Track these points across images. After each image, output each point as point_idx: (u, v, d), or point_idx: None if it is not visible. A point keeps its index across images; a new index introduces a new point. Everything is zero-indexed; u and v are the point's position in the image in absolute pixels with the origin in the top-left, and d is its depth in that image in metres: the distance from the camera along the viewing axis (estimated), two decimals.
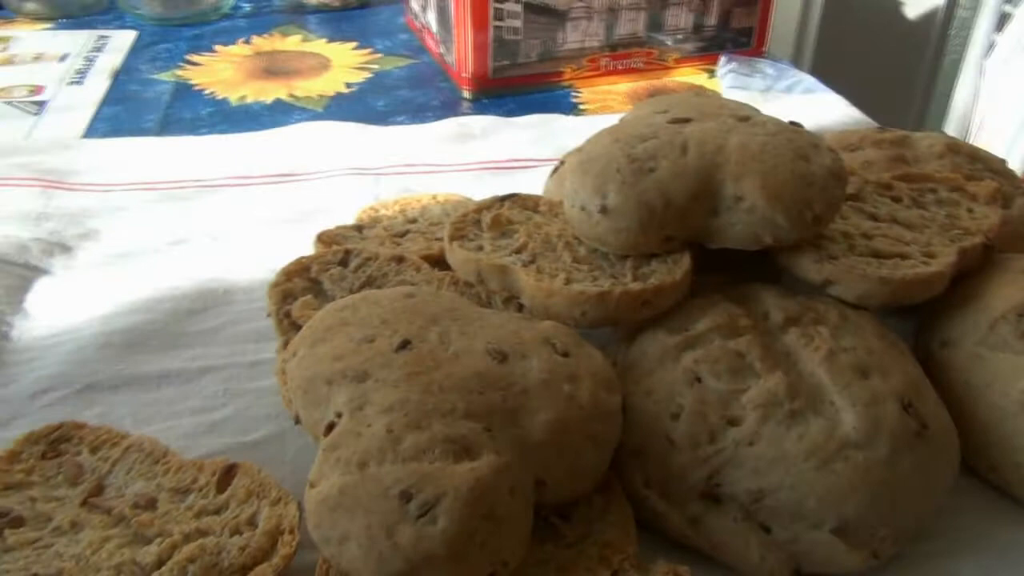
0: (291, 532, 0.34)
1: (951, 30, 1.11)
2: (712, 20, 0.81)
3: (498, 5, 0.74)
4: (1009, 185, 0.53)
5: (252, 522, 0.35)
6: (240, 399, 0.44)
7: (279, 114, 0.75)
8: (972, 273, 0.44)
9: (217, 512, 0.35)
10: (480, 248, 0.43)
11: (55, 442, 0.38)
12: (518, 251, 0.43)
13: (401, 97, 0.78)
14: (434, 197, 0.57)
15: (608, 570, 0.32)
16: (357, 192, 0.62)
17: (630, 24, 0.79)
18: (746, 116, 0.43)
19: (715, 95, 0.47)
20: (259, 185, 0.63)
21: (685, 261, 0.41)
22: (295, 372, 0.35)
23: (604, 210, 0.40)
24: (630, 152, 0.41)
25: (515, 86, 0.78)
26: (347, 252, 0.46)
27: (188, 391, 0.44)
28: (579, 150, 0.43)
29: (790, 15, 1.20)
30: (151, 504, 0.35)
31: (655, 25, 0.80)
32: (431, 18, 0.83)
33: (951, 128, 1.02)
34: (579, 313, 0.39)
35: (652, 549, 0.34)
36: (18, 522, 0.34)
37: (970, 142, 1.02)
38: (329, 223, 0.56)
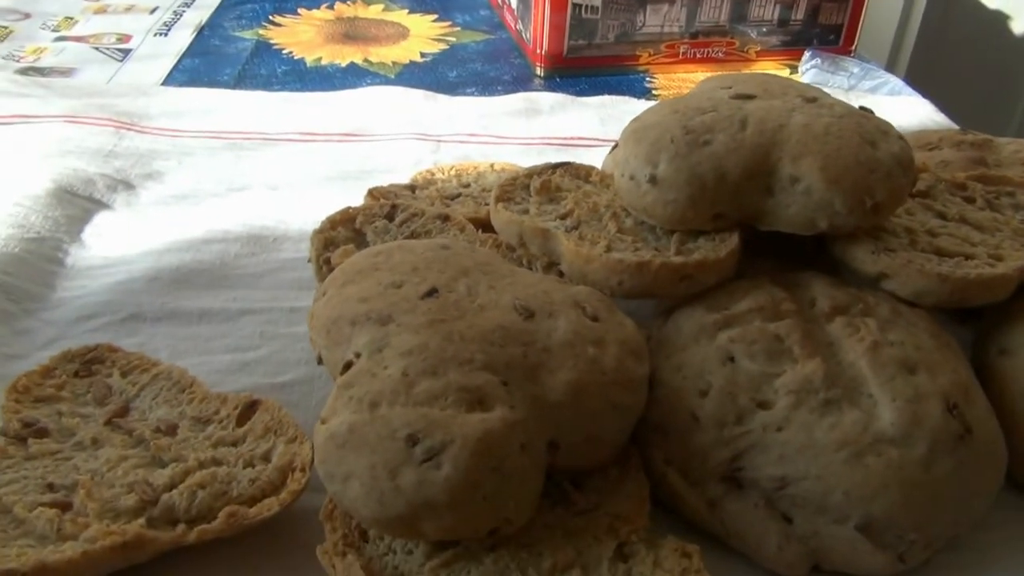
0: (302, 470, 0.34)
1: None
2: (799, 14, 0.79)
3: None
4: None
5: (266, 457, 0.35)
6: (274, 342, 0.44)
7: (352, 77, 0.75)
8: None
9: (234, 444, 0.35)
10: (525, 212, 0.42)
11: (89, 362, 0.39)
12: (563, 217, 0.42)
13: (474, 69, 0.78)
14: (491, 165, 0.57)
15: (615, 541, 0.31)
16: (417, 155, 0.62)
17: (713, 12, 0.77)
18: (814, 97, 0.42)
19: (785, 77, 0.45)
20: (323, 142, 0.63)
21: (733, 240, 0.39)
22: (322, 312, 0.35)
23: (654, 180, 0.39)
24: (686, 123, 0.39)
25: (589, 67, 0.77)
26: (394, 207, 0.46)
27: (226, 330, 0.45)
28: (636, 119, 0.42)
29: (889, 17, 1.15)
30: (172, 430, 0.36)
31: (739, 15, 0.78)
32: None
33: None
34: (616, 282, 0.38)
35: (667, 529, 0.33)
36: (42, 433, 0.35)
37: None
38: (385, 182, 0.56)
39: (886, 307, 0.38)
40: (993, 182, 0.46)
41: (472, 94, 0.74)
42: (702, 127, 0.39)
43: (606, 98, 0.72)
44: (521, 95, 0.72)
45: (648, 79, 0.78)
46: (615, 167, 0.41)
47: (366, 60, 0.79)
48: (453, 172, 0.56)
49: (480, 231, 0.45)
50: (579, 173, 0.46)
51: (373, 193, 0.50)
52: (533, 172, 0.45)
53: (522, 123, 0.68)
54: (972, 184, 0.46)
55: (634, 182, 0.40)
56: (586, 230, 0.40)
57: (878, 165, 0.38)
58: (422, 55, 0.81)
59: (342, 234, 0.44)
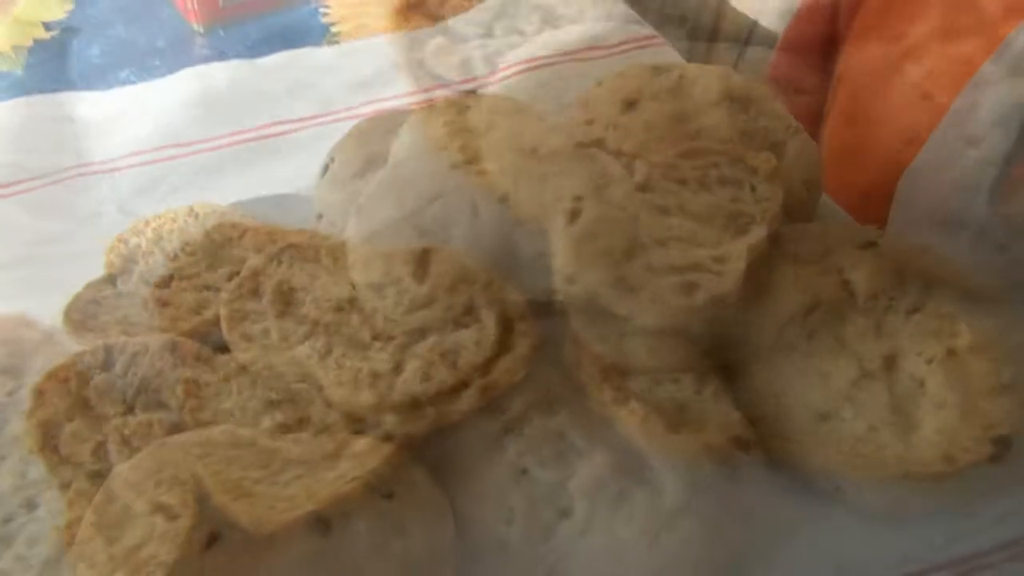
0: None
1: None
2: None
3: None
4: (781, 128, 0.54)
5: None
6: None
7: None
8: (759, 265, 0.45)
9: None
10: (267, 334, 0.39)
11: None
12: (310, 334, 0.39)
13: (118, 38, 0.67)
14: (191, 211, 0.50)
15: None
16: (95, 202, 0.53)
17: None
18: (533, 148, 0.40)
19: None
20: None
21: (490, 328, 0.39)
22: None
23: (402, 292, 0.37)
24: (419, 224, 0.37)
25: (253, 10, 0.68)
26: (108, 350, 0.40)
27: None
28: (360, 210, 0.39)
29: None
30: None
31: None
32: None
33: None
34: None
35: None
36: None
37: None
38: (67, 254, 0.49)
39: (643, 349, 0.40)
40: (698, 155, 0.48)
41: (129, 79, 0.63)
42: (436, 224, 0.37)
43: (284, 56, 0.65)
44: (189, 72, 0.63)
45: (322, 10, 0.70)
46: (357, 277, 0.38)
47: None
48: (151, 234, 0.49)
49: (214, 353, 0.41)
50: (307, 255, 0.42)
51: (72, 316, 0.43)
52: (257, 270, 0.41)
53: (204, 115, 0.60)
54: (681, 163, 0.48)
55: (382, 294, 0.38)
56: (339, 351, 0.38)
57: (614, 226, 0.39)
58: (46, 28, 0.67)
59: (60, 406, 0.38)
